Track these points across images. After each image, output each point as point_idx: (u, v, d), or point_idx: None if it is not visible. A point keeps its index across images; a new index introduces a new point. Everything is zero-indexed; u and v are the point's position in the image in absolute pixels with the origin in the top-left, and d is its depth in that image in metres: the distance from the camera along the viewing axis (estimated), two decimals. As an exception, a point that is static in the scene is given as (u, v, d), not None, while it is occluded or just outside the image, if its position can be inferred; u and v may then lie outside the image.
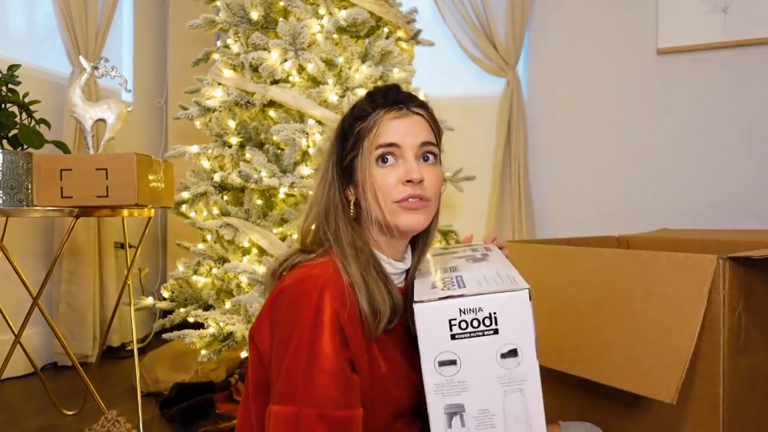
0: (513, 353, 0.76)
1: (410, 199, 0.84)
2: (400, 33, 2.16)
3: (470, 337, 0.76)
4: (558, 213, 2.99)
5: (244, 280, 1.81)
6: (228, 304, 1.90)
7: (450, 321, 0.76)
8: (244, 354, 1.85)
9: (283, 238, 1.86)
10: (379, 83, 2.02)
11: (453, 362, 0.77)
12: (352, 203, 0.89)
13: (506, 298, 0.76)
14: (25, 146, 1.70)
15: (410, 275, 0.94)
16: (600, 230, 2.37)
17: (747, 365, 1.11)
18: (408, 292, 0.92)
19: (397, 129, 0.85)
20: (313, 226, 0.90)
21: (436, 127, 0.91)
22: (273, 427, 0.75)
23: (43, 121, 1.80)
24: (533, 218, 2.97)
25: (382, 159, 0.85)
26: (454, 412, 0.78)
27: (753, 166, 2.65)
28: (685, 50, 2.74)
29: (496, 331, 0.76)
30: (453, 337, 0.76)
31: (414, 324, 0.79)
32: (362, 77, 1.92)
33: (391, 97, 0.88)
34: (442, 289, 0.79)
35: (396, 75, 1.98)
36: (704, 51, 2.71)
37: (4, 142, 1.69)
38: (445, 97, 2.85)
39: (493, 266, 0.89)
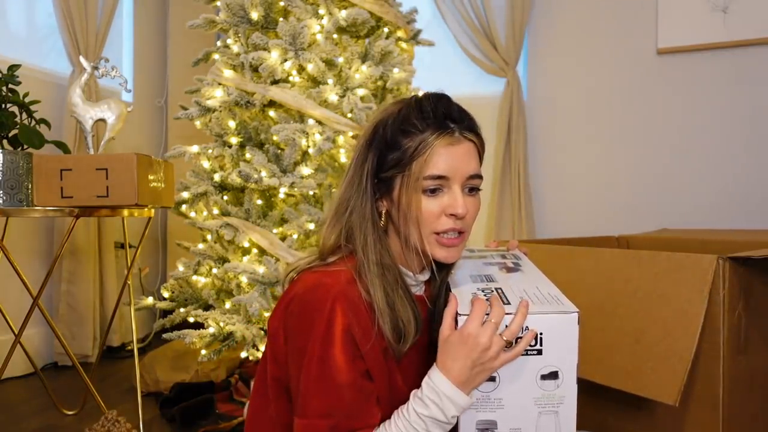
0: (553, 375, 0.75)
1: (450, 233, 0.82)
2: (400, 33, 2.16)
3: None
4: (558, 213, 2.99)
5: (244, 280, 1.81)
6: (228, 304, 1.90)
7: None
8: (244, 354, 1.85)
9: (283, 238, 1.86)
10: (379, 83, 2.02)
11: (492, 379, 0.76)
12: (383, 213, 0.86)
13: (555, 321, 0.74)
14: (25, 146, 1.70)
15: (436, 285, 0.92)
16: (600, 230, 2.37)
17: (747, 365, 1.10)
18: (433, 297, 0.91)
19: (448, 159, 0.81)
20: (333, 235, 0.86)
21: (482, 150, 0.87)
22: None
23: (43, 121, 1.80)
24: (533, 218, 2.96)
25: (431, 190, 0.82)
26: (486, 428, 0.77)
27: (753, 166, 2.65)
28: (685, 50, 2.74)
29: (539, 352, 0.75)
30: None
31: (440, 332, 0.77)
32: (362, 77, 1.92)
33: (441, 112, 0.82)
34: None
35: (396, 75, 1.97)
36: (704, 51, 2.71)
37: (4, 142, 1.69)
38: (445, 97, 2.84)
39: (531, 280, 0.87)
